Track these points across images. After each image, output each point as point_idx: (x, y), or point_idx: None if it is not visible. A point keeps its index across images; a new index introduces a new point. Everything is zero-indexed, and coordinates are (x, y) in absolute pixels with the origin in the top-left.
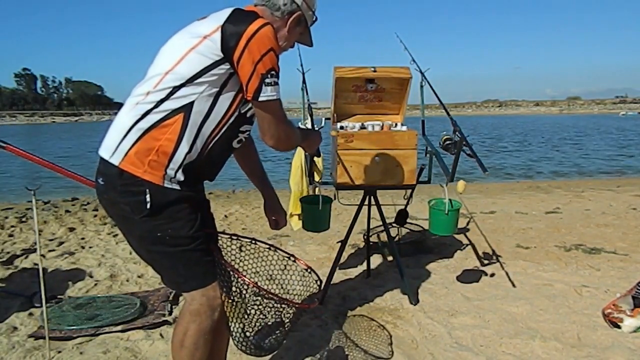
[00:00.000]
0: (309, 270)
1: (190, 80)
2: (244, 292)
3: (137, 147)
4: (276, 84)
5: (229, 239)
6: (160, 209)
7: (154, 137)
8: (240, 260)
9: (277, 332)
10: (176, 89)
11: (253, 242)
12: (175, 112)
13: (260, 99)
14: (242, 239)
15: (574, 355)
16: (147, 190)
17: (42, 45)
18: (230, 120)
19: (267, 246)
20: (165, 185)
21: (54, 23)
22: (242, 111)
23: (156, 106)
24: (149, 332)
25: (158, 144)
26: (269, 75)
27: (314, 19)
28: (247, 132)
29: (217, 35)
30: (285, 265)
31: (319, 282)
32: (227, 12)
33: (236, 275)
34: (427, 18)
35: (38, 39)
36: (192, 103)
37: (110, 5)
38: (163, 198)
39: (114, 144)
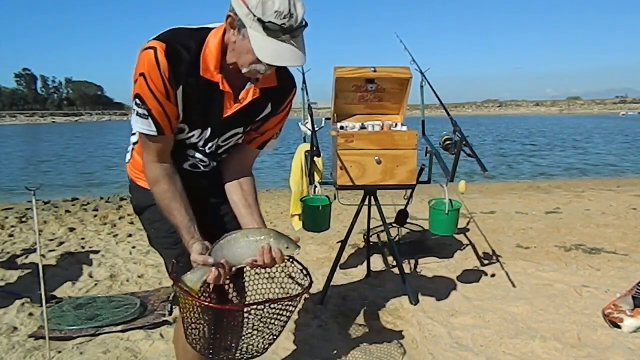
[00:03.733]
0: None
1: None
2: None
3: (132, 160)
4: (141, 115)
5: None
6: (142, 210)
7: (137, 151)
8: None
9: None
10: None
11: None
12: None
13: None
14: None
15: (574, 355)
16: (134, 192)
17: (42, 45)
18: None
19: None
20: None
21: (54, 23)
22: (180, 136)
23: None
24: (149, 332)
25: (137, 154)
26: (134, 103)
27: (264, 23)
28: (200, 160)
29: None
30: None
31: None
32: None
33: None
34: (428, 18)
35: (38, 39)
36: None
37: (111, 6)
38: (146, 201)
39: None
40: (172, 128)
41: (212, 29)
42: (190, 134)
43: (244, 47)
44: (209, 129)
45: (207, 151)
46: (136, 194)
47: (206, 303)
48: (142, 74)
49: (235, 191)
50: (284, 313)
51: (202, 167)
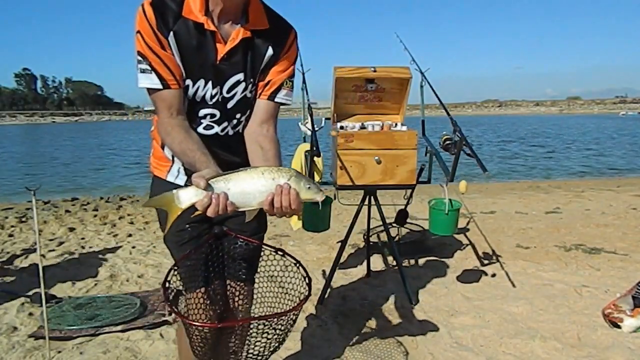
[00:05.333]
0: (297, 264)
1: None
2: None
3: (153, 150)
4: (144, 71)
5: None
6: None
7: (154, 137)
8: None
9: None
10: None
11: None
12: None
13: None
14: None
15: (574, 355)
16: (152, 184)
17: (42, 45)
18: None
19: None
20: (168, 179)
21: (54, 23)
22: (189, 94)
23: None
24: (149, 332)
25: (155, 142)
26: (137, 61)
27: None
28: (211, 116)
29: None
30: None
31: (307, 282)
32: None
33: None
34: (428, 18)
35: (38, 39)
36: None
37: (111, 6)
38: (160, 192)
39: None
40: (176, 81)
41: None
42: (195, 87)
43: None
44: (211, 81)
45: (213, 102)
46: (153, 185)
47: (196, 324)
48: (137, 31)
49: (254, 151)
50: (282, 324)
51: (215, 127)
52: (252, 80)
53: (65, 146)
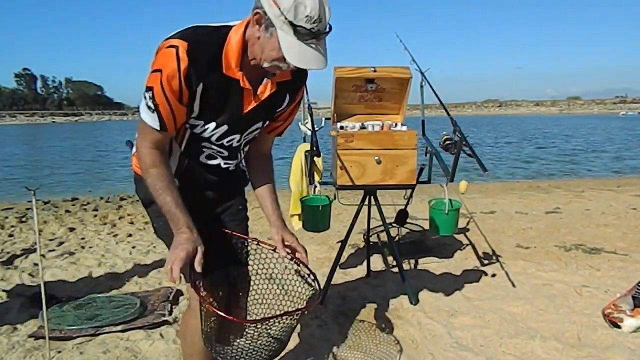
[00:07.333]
0: (310, 275)
1: None
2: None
3: (135, 150)
4: (148, 107)
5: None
6: (151, 202)
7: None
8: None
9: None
10: None
11: (256, 243)
12: None
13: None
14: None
15: (574, 355)
16: (141, 184)
17: (42, 45)
18: (186, 137)
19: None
20: None
21: (54, 23)
22: (195, 131)
23: None
24: (149, 332)
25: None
26: (145, 94)
27: (295, 27)
28: (218, 152)
29: None
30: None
31: (314, 286)
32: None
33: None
34: (428, 18)
35: (38, 39)
36: None
37: (110, 5)
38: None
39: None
40: (176, 127)
41: (232, 26)
42: (204, 128)
43: (270, 45)
44: (226, 126)
45: (226, 144)
46: (143, 186)
47: (220, 313)
48: (159, 70)
49: (258, 182)
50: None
51: (219, 159)
52: (267, 123)
53: (66, 146)
